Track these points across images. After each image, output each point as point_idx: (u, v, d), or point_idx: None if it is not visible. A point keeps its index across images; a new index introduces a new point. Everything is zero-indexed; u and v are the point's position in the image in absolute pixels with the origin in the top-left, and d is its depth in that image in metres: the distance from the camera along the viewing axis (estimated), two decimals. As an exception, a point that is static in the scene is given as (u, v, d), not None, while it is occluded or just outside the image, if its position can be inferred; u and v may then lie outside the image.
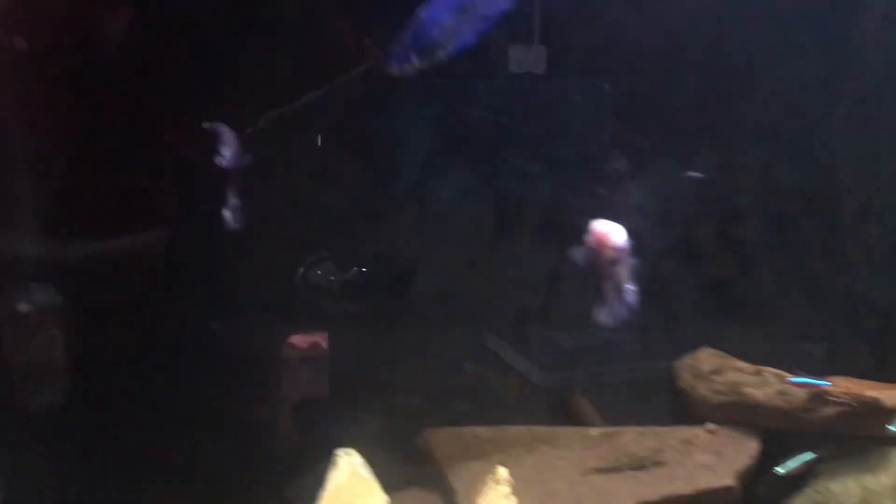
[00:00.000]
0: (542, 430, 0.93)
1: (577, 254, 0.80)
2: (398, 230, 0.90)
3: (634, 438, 0.91)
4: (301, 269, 0.85)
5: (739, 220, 1.00)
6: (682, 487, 0.83)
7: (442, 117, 0.88)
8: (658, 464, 0.87)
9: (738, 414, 0.91)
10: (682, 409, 0.95)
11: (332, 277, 0.87)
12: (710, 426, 0.91)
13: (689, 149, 0.98)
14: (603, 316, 0.81)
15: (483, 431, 0.92)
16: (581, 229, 0.80)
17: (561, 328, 1.04)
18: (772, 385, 0.91)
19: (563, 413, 1.01)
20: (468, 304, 0.99)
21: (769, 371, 0.92)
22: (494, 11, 0.66)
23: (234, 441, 0.90)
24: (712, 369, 0.93)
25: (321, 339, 0.89)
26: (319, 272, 0.86)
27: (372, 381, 0.95)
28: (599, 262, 0.79)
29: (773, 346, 1.00)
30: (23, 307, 0.74)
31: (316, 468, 0.76)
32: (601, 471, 0.86)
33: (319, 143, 0.78)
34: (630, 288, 0.80)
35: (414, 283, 0.94)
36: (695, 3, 0.96)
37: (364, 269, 0.88)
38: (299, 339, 0.89)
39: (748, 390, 0.91)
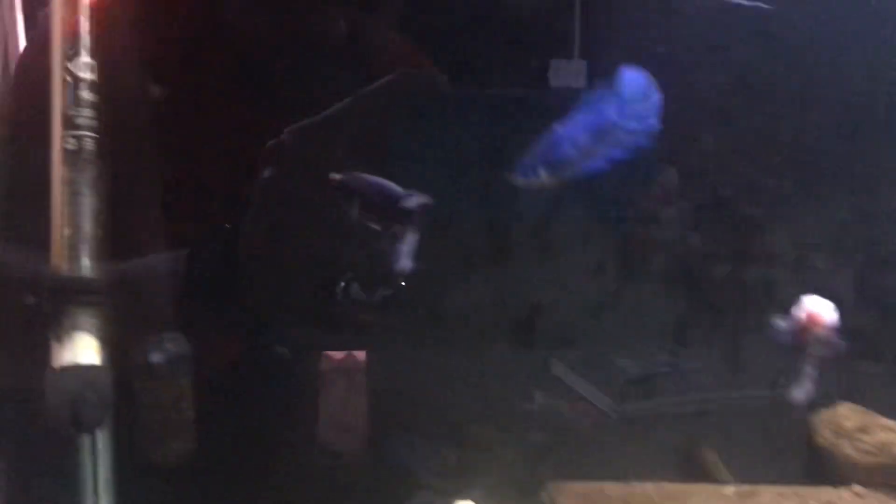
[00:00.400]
0: (672, 487, 0.88)
1: (781, 328, 0.76)
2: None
3: (774, 499, 0.86)
4: (342, 284, 0.81)
5: (881, 266, 0.95)
6: (831, 553, 0.79)
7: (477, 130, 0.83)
8: (801, 526, 0.82)
9: (891, 477, 0.86)
10: (815, 465, 0.90)
11: (374, 291, 0.83)
12: (858, 489, 0.86)
13: (828, 193, 0.93)
14: (798, 395, 0.78)
15: (611, 488, 0.88)
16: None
17: (629, 355, 1.00)
18: (927, 447, 0.85)
19: (683, 466, 0.97)
20: (526, 323, 0.96)
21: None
22: (638, 131, 0.62)
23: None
24: (857, 427, 0.88)
25: (358, 353, 0.88)
26: (359, 286, 0.83)
27: (438, 407, 0.92)
28: (808, 340, 0.76)
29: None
30: (154, 358, 0.73)
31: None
32: (742, 532, 0.81)
33: (346, 156, 0.73)
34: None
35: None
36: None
37: (403, 284, 0.84)
38: (335, 353, 0.88)
39: (899, 451, 0.86)
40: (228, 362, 0.86)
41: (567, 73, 0.91)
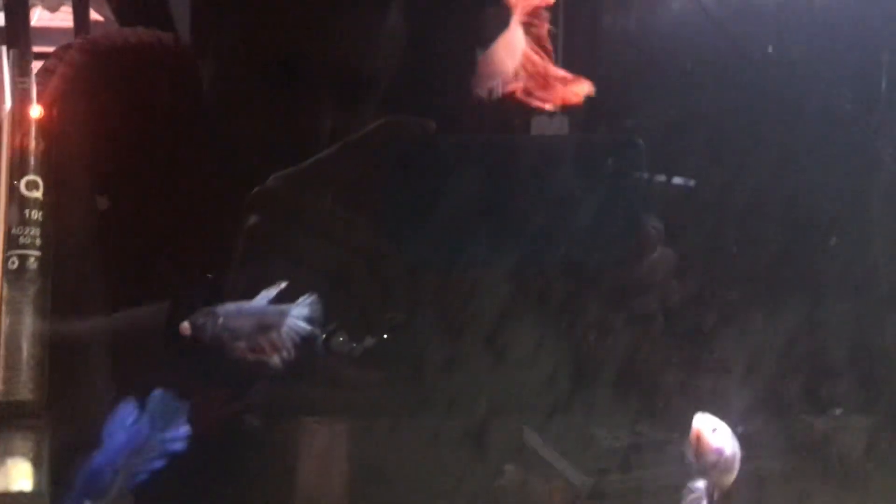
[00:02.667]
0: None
1: (687, 455, 0.73)
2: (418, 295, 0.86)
3: None
4: (322, 336, 0.80)
5: (830, 377, 0.96)
6: None
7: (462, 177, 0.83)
8: None
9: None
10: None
11: (354, 345, 0.82)
12: None
13: (776, 301, 0.94)
14: None
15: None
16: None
17: (603, 425, 1.00)
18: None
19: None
20: (501, 392, 0.95)
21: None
22: (172, 439, 0.65)
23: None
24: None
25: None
26: (341, 339, 0.82)
27: (403, 481, 0.91)
28: (701, 464, 0.72)
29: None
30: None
31: None
32: None
33: (331, 204, 0.74)
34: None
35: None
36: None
37: (385, 337, 0.83)
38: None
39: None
40: (208, 426, 0.85)
41: (549, 130, 0.92)
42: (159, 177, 0.89)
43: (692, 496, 0.72)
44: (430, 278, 0.84)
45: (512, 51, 0.67)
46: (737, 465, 0.72)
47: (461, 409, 0.92)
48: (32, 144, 0.67)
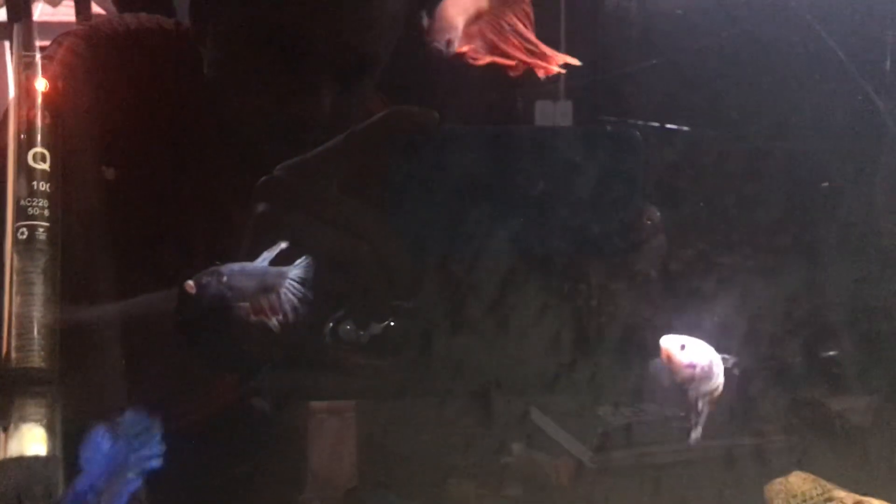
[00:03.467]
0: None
1: (652, 368, 0.75)
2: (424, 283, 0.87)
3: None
4: (330, 324, 0.80)
5: (829, 338, 0.97)
6: None
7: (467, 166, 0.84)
8: None
9: (840, 546, 0.86)
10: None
11: (361, 332, 0.83)
12: (807, 559, 0.87)
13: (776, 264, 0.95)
14: (694, 437, 0.75)
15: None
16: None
17: (609, 403, 1.01)
18: (876, 516, 0.86)
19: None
20: (506, 372, 0.96)
21: (872, 501, 0.87)
22: (148, 456, 0.66)
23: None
24: (808, 497, 0.89)
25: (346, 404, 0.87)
26: (348, 327, 0.83)
27: (414, 459, 0.92)
28: (678, 379, 0.73)
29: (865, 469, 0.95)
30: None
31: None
32: None
33: (337, 193, 0.73)
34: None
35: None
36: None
37: (391, 324, 0.84)
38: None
39: (850, 521, 0.87)
40: (217, 410, 0.86)
41: (553, 114, 0.92)
42: (163, 160, 0.90)
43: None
44: (436, 266, 0.85)
45: (463, 8, 0.67)
46: (717, 372, 0.73)
47: (467, 383, 0.93)
48: (39, 117, 0.68)
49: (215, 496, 0.85)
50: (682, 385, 0.73)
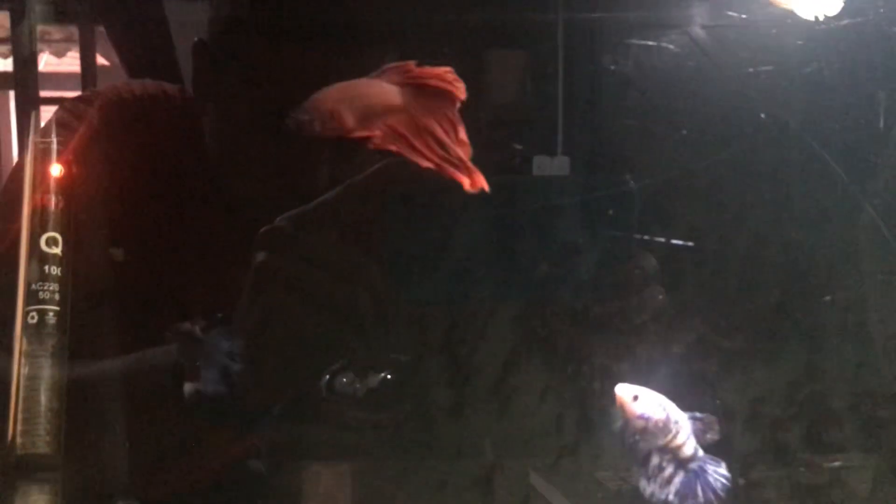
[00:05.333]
0: None
1: (614, 424, 0.73)
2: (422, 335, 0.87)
3: None
4: (326, 377, 0.81)
5: (831, 423, 0.97)
6: None
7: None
8: None
9: None
10: None
11: (358, 385, 0.83)
12: None
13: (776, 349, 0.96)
14: (658, 492, 0.72)
15: None
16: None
17: (609, 468, 1.00)
18: None
19: None
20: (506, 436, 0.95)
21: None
22: None
23: None
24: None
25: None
26: (345, 379, 0.83)
27: None
28: (632, 430, 0.71)
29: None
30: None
31: None
32: None
33: (338, 243, 0.75)
34: (699, 462, 0.72)
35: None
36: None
37: (389, 377, 0.84)
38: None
39: None
40: (214, 472, 0.86)
41: (550, 169, 0.93)
42: (167, 226, 0.91)
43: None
44: (435, 318, 0.86)
45: (354, 98, 0.68)
46: (674, 427, 0.71)
47: (467, 452, 0.93)
48: (53, 202, 0.69)
49: None
50: (635, 435, 0.72)
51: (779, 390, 0.95)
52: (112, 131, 0.91)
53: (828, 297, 0.95)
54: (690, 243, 0.92)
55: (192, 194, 0.92)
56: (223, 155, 0.91)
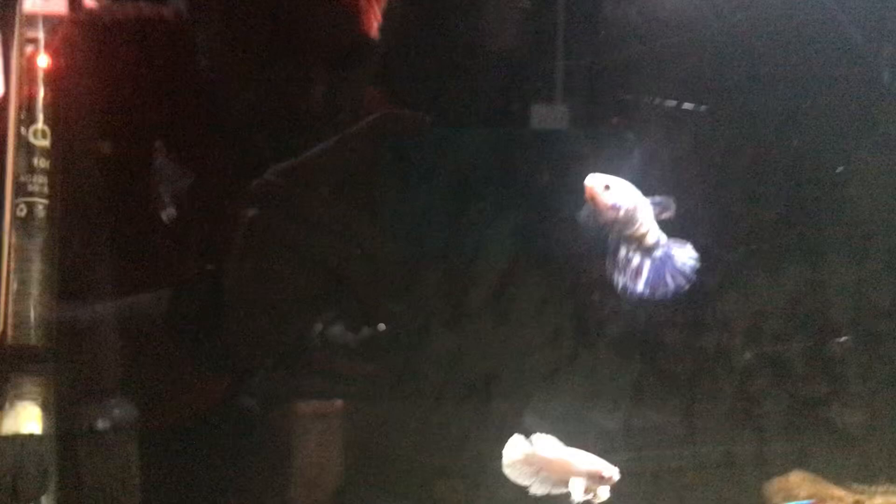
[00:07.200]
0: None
1: (582, 214, 0.71)
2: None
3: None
4: (320, 327, 0.80)
5: (832, 336, 0.96)
6: None
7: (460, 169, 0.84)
8: None
9: (838, 546, 0.86)
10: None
11: (351, 336, 0.83)
12: (807, 558, 0.86)
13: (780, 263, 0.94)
14: (630, 284, 0.72)
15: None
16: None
17: (603, 408, 1.00)
18: (875, 516, 0.86)
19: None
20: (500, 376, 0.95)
21: (871, 501, 0.87)
22: None
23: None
24: (809, 495, 0.89)
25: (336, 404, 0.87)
26: (338, 330, 0.82)
27: (404, 461, 0.91)
28: (602, 221, 0.70)
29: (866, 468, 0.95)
30: (100, 424, 0.72)
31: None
32: None
33: (330, 200, 0.73)
34: (664, 248, 0.72)
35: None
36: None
37: (382, 327, 0.83)
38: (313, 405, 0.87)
39: (849, 521, 0.86)
40: (202, 410, 0.85)
41: (549, 118, 0.92)
42: (156, 150, 0.89)
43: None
44: (427, 268, 0.85)
45: None
46: (641, 216, 0.71)
47: (464, 376, 0.92)
48: (41, 93, 0.68)
49: (202, 496, 0.85)
50: (605, 228, 0.71)
51: (780, 304, 0.95)
52: (102, 47, 0.89)
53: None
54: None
55: (183, 114, 0.90)
56: (214, 74, 0.89)
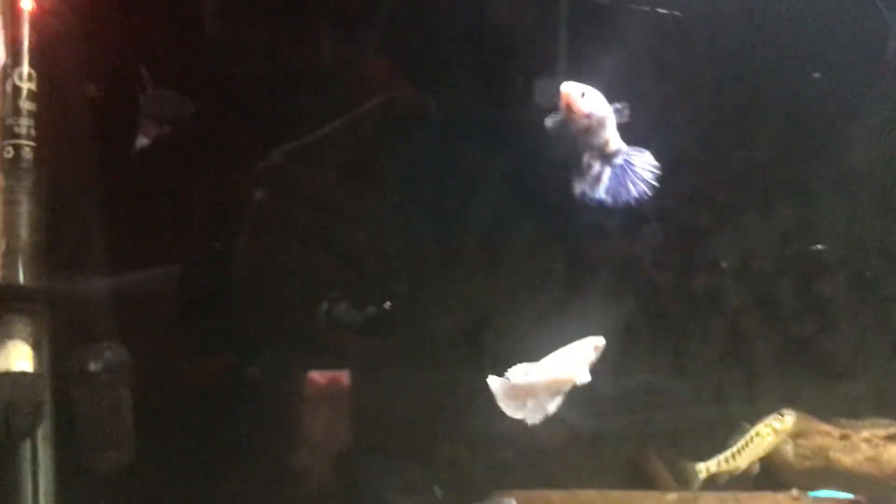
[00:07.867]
0: (615, 494, 0.88)
1: (549, 121, 0.71)
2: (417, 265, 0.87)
3: (714, 504, 0.87)
4: (325, 305, 0.81)
5: (822, 276, 0.97)
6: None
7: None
8: (740, 532, 0.83)
9: (824, 481, 0.87)
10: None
11: (356, 314, 0.84)
12: (795, 492, 0.87)
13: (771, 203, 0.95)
14: (589, 190, 0.73)
15: (555, 495, 0.89)
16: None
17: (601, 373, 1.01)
18: (861, 451, 0.87)
19: (634, 473, 0.98)
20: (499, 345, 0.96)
21: (857, 436, 0.88)
22: None
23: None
24: (797, 432, 0.89)
25: (342, 375, 0.88)
26: (344, 308, 0.83)
27: (408, 428, 0.92)
28: (573, 129, 0.71)
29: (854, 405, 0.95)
30: (92, 366, 0.73)
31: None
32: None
33: (336, 182, 0.75)
34: (623, 155, 0.72)
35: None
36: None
37: (387, 305, 0.84)
38: (319, 375, 0.88)
39: (836, 455, 0.88)
40: (207, 380, 0.86)
41: (553, 93, 0.92)
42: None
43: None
44: (432, 249, 0.85)
45: None
46: (610, 124, 0.71)
47: (459, 321, 0.93)
48: (26, 35, 0.68)
49: (212, 461, 0.86)
50: (581, 135, 0.72)
51: (771, 243, 0.95)
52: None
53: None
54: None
55: (190, 82, 0.90)
56: (222, 37, 0.89)
